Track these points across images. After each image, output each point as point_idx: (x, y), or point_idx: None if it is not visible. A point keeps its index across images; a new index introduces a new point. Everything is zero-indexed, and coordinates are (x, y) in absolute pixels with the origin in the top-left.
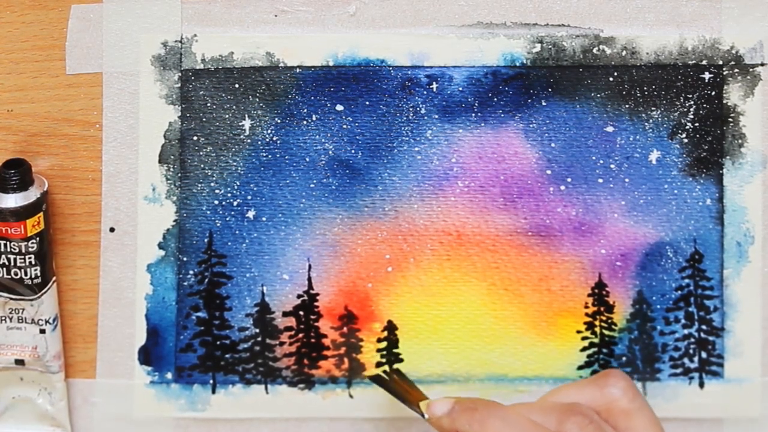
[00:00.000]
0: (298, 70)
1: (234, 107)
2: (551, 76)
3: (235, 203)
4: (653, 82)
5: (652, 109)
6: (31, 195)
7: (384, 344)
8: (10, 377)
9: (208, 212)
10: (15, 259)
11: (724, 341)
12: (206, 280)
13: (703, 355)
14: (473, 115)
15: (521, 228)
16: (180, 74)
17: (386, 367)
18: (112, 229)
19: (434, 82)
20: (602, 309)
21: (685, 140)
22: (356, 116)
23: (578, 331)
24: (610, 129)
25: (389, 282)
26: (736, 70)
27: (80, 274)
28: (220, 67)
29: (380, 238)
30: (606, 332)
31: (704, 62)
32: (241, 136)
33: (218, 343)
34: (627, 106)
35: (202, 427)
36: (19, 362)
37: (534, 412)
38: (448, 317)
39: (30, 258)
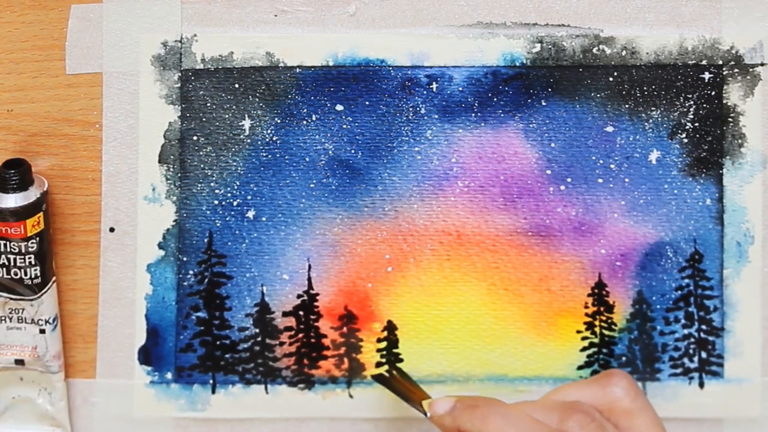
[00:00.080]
0: (298, 70)
1: (234, 107)
2: (551, 76)
3: (235, 203)
4: (653, 82)
5: (652, 109)
6: (31, 195)
7: (384, 344)
8: (10, 377)
9: (208, 212)
10: (15, 259)
11: (724, 341)
12: (206, 280)
13: (703, 355)
14: (473, 115)
15: (521, 228)
16: (180, 74)
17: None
18: (112, 229)
19: (434, 82)
20: (602, 309)
21: (685, 140)
22: (356, 116)
23: (578, 331)
24: (610, 129)
25: (389, 282)
26: (736, 70)
27: (80, 274)
28: (220, 67)
29: (380, 238)
30: (606, 332)
31: (704, 62)
32: (241, 136)
33: (218, 343)
34: (627, 106)
35: (202, 427)
36: (19, 362)
37: (536, 410)
38: (448, 317)
39: (30, 258)
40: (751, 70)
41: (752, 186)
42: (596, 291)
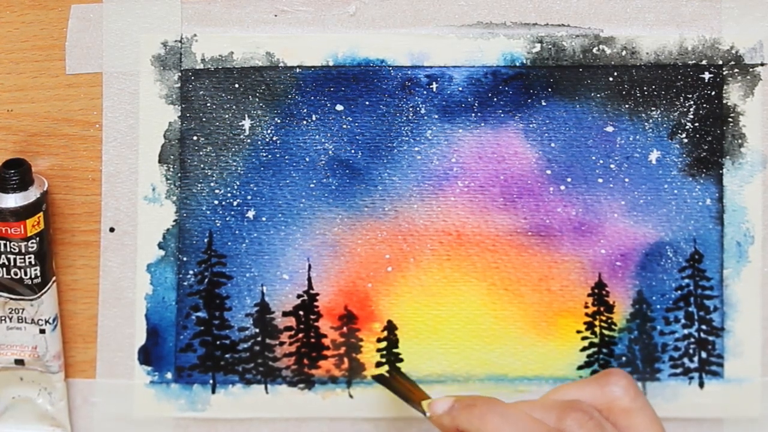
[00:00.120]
0: (298, 70)
1: (234, 107)
2: (551, 76)
3: (235, 203)
4: (653, 82)
5: (652, 109)
6: (31, 195)
7: (384, 344)
8: (10, 377)
9: (208, 212)
10: (15, 259)
11: (724, 341)
12: (206, 280)
13: (703, 355)
14: (473, 115)
15: (521, 228)
16: (180, 74)
17: (387, 367)
18: (112, 229)
19: (434, 82)
20: (602, 309)
21: (685, 140)
22: (356, 116)
23: (578, 331)
24: (610, 129)
25: (389, 282)
26: (736, 70)
27: (80, 274)
28: (220, 67)
29: (380, 238)
30: (606, 332)
31: (704, 62)
32: (241, 136)
33: (218, 343)
34: (627, 106)
35: (202, 427)
36: (19, 362)
37: (534, 409)
38: (448, 317)
39: (30, 258)
40: (751, 70)
41: (752, 186)
42: (596, 291)
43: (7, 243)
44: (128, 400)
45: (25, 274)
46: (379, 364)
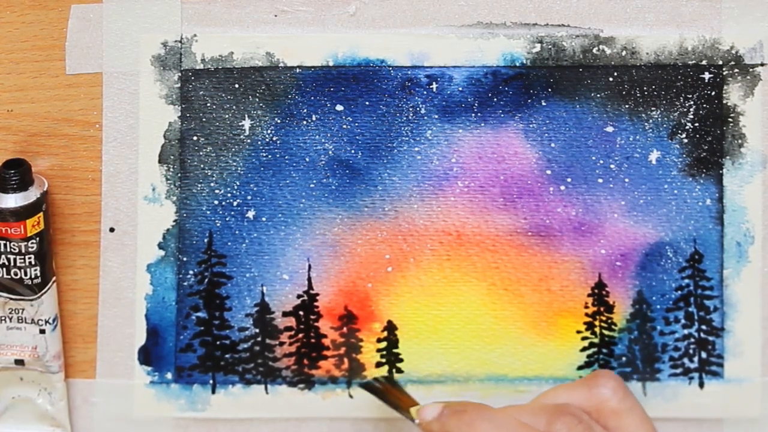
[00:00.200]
0: (298, 70)
1: (234, 107)
2: (551, 76)
3: (235, 203)
4: (653, 82)
5: (652, 109)
6: (31, 195)
7: (384, 344)
8: (10, 377)
9: (208, 212)
10: (15, 259)
11: (724, 341)
12: (206, 280)
13: (703, 355)
14: (473, 115)
15: (521, 228)
16: (180, 74)
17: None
18: (112, 229)
19: (434, 82)
20: (602, 309)
21: (685, 140)
22: (356, 116)
23: (578, 331)
24: (610, 129)
25: (389, 282)
26: (736, 70)
27: (80, 274)
28: (220, 67)
29: (380, 238)
30: (606, 332)
31: (704, 62)
32: (241, 136)
33: (218, 343)
34: (627, 106)
35: (202, 427)
36: (19, 362)
37: (524, 413)
38: (448, 317)
39: (30, 258)
40: (751, 70)
41: (752, 186)
42: (596, 291)
43: (7, 243)
44: (128, 400)
45: (25, 274)
46: (379, 364)
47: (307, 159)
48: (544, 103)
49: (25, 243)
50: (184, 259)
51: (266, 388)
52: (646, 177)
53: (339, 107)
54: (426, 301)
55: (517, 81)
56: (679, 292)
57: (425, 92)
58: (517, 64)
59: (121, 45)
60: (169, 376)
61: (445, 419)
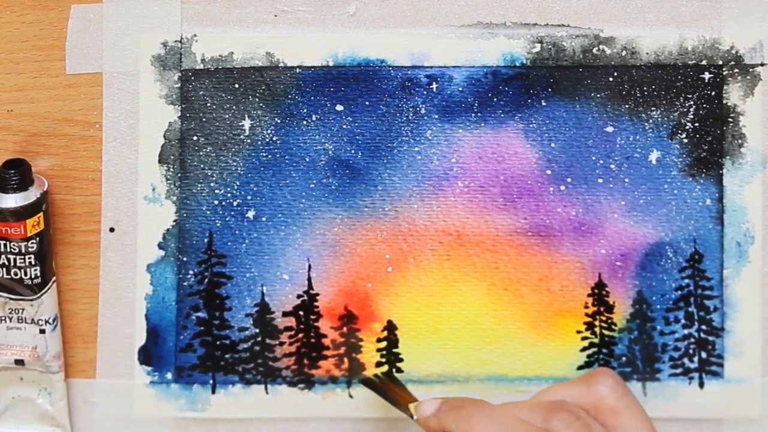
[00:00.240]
0: (298, 70)
1: (234, 107)
2: (551, 76)
3: (235, 203)
4: (653, 82)
5: (652, 109)
6: (31, 195)
7: (384, 344)
8: (10, 377)
9: (208, 212)
10: (15, 259)
11: (724, 341)
12: (206, 280)
13: (703, 355)
14: (473, 115)
15: (521, 228)
16: (180, 74)
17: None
18: (112, 229)
19: (434, 82)
20: (602, 309)
21: (685, 140)
22: (356, 116)
23: (578, 331)
24: (610, 129)
25: (389, 282)
26: (736, 70)
27: (80, 274)
28: (220, 67)
29: (380, 238)
30: (606, 332)
31: (704, 62)
32: (241, 136)
33: (218, 343)
34: (627, 106)
35: (202, 427)
36: (19, 362)
37: (522, 410)
38: (448, 317)
39: (30, 258)
40: (751, 70)
41: (752, 186)
42: (596, 291)
43: (7, 243)
44: (128, 400)
45: (25, 274)
46: (379, 364)
47: (307, 159)
48: (544, 103)
49: (25, 243)
50: (184, 259)
51: (266, 388)
52: (646, 177)
53: (339, 107)
54: (426, 301)
55: (517, 81)
56: (679, 292)
57: (425, 92)
58: (517, 64)
59: (121, 45)
60: (169, 376)
61: (443, 415)
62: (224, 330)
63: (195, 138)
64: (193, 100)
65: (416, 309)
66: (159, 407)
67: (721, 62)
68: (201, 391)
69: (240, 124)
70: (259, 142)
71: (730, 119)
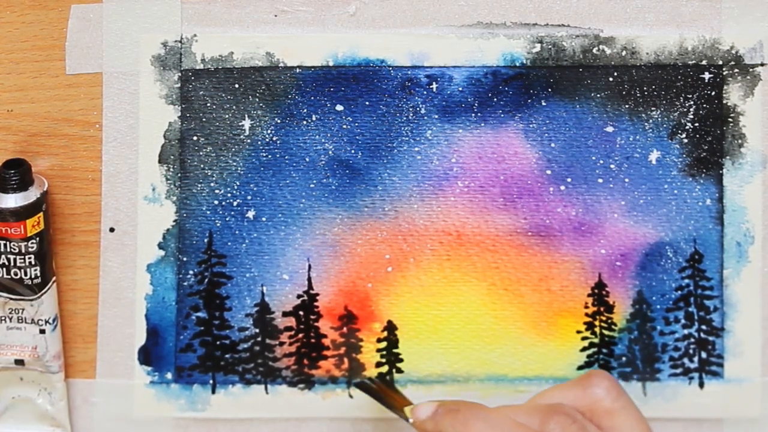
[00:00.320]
0: (298, 70)
1: (234, 107)
2: (551, 76)
3: (235, 203)
4: (653, 82)
5: (652, 109)
6: (31, 195)
7: (384, 344)
8: (10, 377)
9: (208, 212)
10: (15, 259)
11: (724, 341)
12: (206, 280)
13: (703, 355)
14: (473, 115)
15: (521, 228)
16: (180, 74)
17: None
18: (112, 229)
19: (434, 82)
20: (602, 309)
21: (685, 140)
22: (356, 116)
23: (578, 331)
24: (610, 129)
25: (389, 282)
26: (736, 70)
27: (80, 274)
28: (220, 67)
29: (380, 238)
30: (606, 332)
31: (704, 62)
32: (241, 136)
33: (218, 343)
34: (627, 106)
35: (202, 427)
36: (19, 362)
37: (518, 413)
38: (448, 317)
39: (30, 258)
40: (751, 70)
41: (752, 186)
42: (596, 291)
43: (7, 243)
44: (128, 400)
45: (25, 274)
46: (379, 364)
47: (307, 159)
48: (544, 103)
49: (25, 243)
50: (184, 259)
51: (266, 388)
52: (646, 177)
53: (339, 107)
54: (426, 301)
55: (517, 81)
56: (679, 292)
57: (425, 92)
58: (517, 64)
59: (121, 45)
60: (169, 376)
61: (440, 418)
62: (224, 330)
63: (195, 138)
64: (193, 100)
65: (416, 309)
66: (159, 407)
67: (721, 62)
68: (201, 391)
69: (240, 124)
70: (259, 142)
71: (730, 119)
